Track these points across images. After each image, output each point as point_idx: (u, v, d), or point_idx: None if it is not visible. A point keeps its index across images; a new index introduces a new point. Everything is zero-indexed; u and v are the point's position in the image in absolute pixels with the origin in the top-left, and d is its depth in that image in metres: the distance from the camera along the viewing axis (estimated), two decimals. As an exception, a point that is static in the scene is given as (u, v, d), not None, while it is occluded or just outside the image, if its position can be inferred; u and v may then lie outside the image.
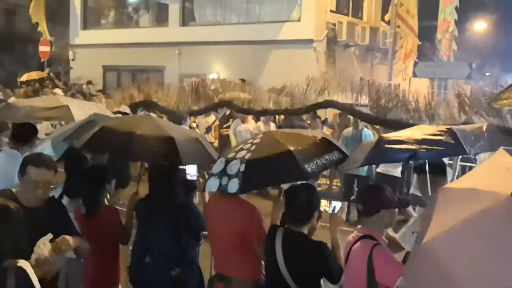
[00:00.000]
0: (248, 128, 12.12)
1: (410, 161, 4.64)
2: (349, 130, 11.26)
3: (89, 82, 21.79)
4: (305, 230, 3.74)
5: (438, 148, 4.32)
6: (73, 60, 24.96)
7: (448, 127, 4.49)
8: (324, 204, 3.98)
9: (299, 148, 3.87)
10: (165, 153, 4.31)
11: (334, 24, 18.53)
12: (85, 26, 24.84)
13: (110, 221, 4.48)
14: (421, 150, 4.24)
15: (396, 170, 9.50)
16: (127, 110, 12.69)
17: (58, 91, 16.78)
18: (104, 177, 4.63)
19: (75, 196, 4.65)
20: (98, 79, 23.23)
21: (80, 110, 6.04)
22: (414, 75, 17.48)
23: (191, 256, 4.37)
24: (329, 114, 14.96)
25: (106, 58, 22.95)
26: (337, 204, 3.95)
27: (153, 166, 4.58)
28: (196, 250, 4.52)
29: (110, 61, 22.92)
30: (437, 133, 4.38)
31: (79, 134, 4.52)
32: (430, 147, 4.29)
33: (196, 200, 4.76)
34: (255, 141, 4.09)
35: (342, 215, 3.88)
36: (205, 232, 4.48)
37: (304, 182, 3.88)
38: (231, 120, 14.17)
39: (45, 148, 4.78)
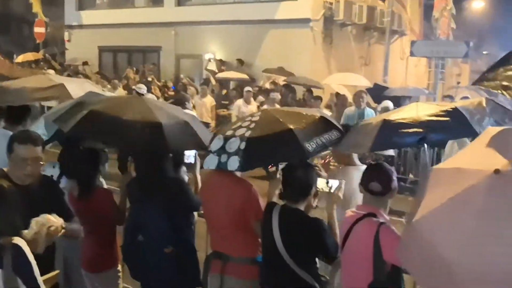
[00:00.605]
0: (253, 110, 12.02)
1: (420, 145, 4.58)
2: (351, 109, 11.21)
3: (85, 63, 21.71)
4: (302, 207, 3.75)
5: (447, 130, 4.27)
6: (68, 41, 24.82)
7: (454, 106, 4.41)
8: (321, 183, 3.95)
9: (299, 126, 3.85)
10: (151, 140, 4.18)
11: (331, 3, 18.41)
12: (80, 7, 24.65)
13: (104, 202, 4.47)
14: (429, 133, 4.19)
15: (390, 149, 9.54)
16: (143, 89, 12.62)
17: (50, 71, 16.67)
18: (98, 159, 4.61)
19: (73, 176, 4.64)
20: (94, 60, 23.13)
21: (75, 87, 5.99)
22: (412, 54, 17.43)
23: (185, 234, 4.34)
24: (325, 94, 14.96)
25: (102, 39, 22.82)
26: (335, 183, 3.93)
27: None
28: (190, 229, 4.49)
29: (106, 41, 22.80)
30: (443, 113, 4.29)
31: (69, 117, 4.44)
32: (438, 129, 4.24)
33: (186, 178, 4.74)
34: (253, 119, 4.06)
35: (340, 194, 3.88)
36: (200, 212, 4.47)
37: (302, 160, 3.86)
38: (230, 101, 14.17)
39: (38, 127, 4.74)
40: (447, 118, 4.21)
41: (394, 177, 3.58)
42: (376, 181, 3.54)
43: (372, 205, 3.54)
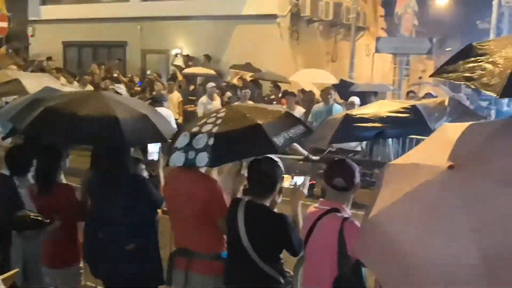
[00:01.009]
0: (218, 106, 11.97)
1: (377, 139, 4.70)
2: (319, 105, 11.28)
3: (48, 58, 21.29)
4: (267, 203, 3.76)
5: (403, 126, 4.38)
6: (32, 36, 24.33)
7: (413, 103, 4.54)
8: (286, 178, 3.98)
9: (267, 121, 3.87)
10: (108, 134, 4.14)
11: (297, 0, 18.48)
12: (44, 1, 24.19)
13: (64, 198, 4.44)
14: (387, 128, 4.29)
15: (355, 144, 9.63)
16: (122, 89, 12.42)
17: (13, 67, 16.34)
18: (59, 154, 4.56)
19: (22, 173, 4.58)
20: (58, 55, 22.74)
21: (32, 81, 5.94)
22: (377, 50, 17.62)
23: (146, 231, 4.33)
24: (293, 90, 15.00)
25: (66, 34, 22.44)
26: (299, 179, 3.96)
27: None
28: (152, 226, 4.46)
29: (70, 36, 22.42)
30: (402, 110, 4.42)
31: (24, 115, 4.36)
32: (395, 125, 4.34)
33: (145, 174, 4.71)
34: (219, 115, 4.06)
35: (304, 190, 3.91)
36: (164, 209, 4.46)
37: (268, 155, 3.88)
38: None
39: None
40: (406, 115, 4.34)
41: (357, 173, 3.63)
42: (340, 176, 3.59)
43: (335, 201, 3.58)
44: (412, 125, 4.46)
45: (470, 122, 2.39)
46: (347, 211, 3.56)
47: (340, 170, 3.64)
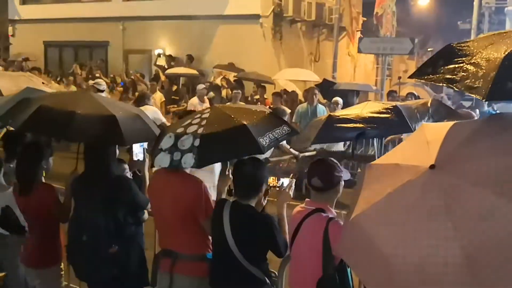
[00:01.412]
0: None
1: (359, 139, 4.74)
2: (303, 106, 11.29)
3: (26, 59, 21.00)
4: (253, 204, 3.76)
5: (385, 126, 4.42)
6: (12, 36, 24.08)
7: (394, 104, 4.59)
8: (272, 180, 3.99)
9: (252, 122, 3.87)
10: (107, 133, 4.15)
11: (280, 0, 18.51)
12: (24, 1, 23.96)
13: (46, 198, 4.40)
14: (368, 128, 4.33)
15: (338, 145, 9.66)
16: (103, 85, 12.26)
17: (-4, 67, 16.18)
18: (40, 154, 4.52)
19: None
20: (40, 55, 22.55)
21: (8, 83, 5.92)
22: (359, 50, 17.71)
23: (130, 233, 4.30)
24: (276, 90, 15.03)
25: (47, 34, 22.26)
26: (285, 180, 3.97)
27: (87, 144, 4.45)
28: (137, 228, 4.43)
29: (52, 36, 22.24)
30: (384, 110, 4.47)
31: (15, 113, 4.35)
32: (376, 125, 4.38)
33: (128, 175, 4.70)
34: (203, 116, 4.04)
35: (290, 192, 3.89)
36: (148, 210, 4.43)
37: (253, 156, 3.89)
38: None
39: None
40: (387, 115, 4.38)
41: (337, 173, 3.62)
42: (317, 176, 3.59)
43: (320, 201, 3.58)
44: (394, 125, 4.52)
45: (450, 122, 2.41)
46: (332, 211, 3.57)
47: (316, 170, 3.65)
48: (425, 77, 2.58)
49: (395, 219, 2.12)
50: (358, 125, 4.34)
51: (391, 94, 13.00)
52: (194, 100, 12.66)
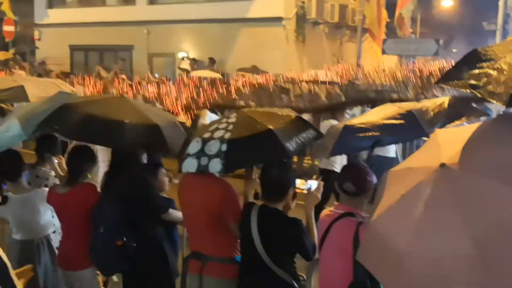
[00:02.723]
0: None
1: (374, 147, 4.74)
2: None
3: (42, 63, 21.08)
4: (280, 207, 3.79)
5: (399, 132, 4.42)
6: (39, 40, 24.45)
7: (409, 109, 4.57)
8: (300, 183, 4.01)
9: (278, 127, 3.91)
10: (154, 142, 4.39)
11: (303, 2, 18.54)
12: (50, 5, 24.31)
13: (87, 195, 4.46)
14: (383, 136, 4.33)
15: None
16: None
17: (21, 72, 16.39)
18: (92, 155, 4.68)
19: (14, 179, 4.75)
20: (65, 59, 22.85)
21: (35, 89, 6.02)
22: (383, 52, 17.61)
23: (148, 230, 4.38)
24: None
25: (73, 38, 22.56)
26: (313, 183, 3.97)
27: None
28: (157, 227, 4.50)
29: (77, 40, 22.54)
30: (398, 116, 4.46)
31: (58, 120, 4.48)
32: (391, 132, 4.38)
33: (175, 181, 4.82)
34: (230, 121, 4.10)
35: (318, 194, 3.90)
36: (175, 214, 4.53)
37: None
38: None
39: (10, 126, 4.72)
40: (401, 121, 4.36)
41: (370, 178, 3.63)
42: (350, 181, 3.60)
43: (349, 205, 3.60)
44: (408, 131, 4.50)
45: (462, 127, 2.45)
46: (362, 215, 3.57)
47: (350, 175, 3.67)
48: (451, 83, 2.60)
49: (408, 219, 2.16)
50: (373, 133, 4.34)
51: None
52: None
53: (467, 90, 2.48)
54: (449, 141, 2.30)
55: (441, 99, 4.73)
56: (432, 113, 4.55)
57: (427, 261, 2.04)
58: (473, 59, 2.55)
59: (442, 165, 2.14)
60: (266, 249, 3.66)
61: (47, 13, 24.07)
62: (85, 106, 4.57)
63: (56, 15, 23.52)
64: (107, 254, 4.27)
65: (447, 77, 2.69)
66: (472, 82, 2.42)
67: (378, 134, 4.27)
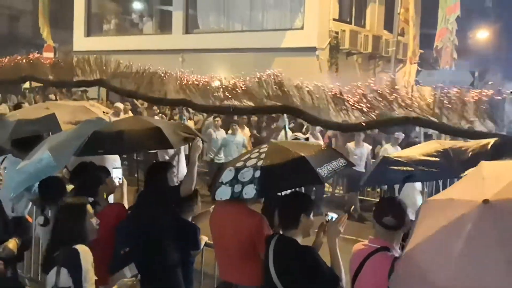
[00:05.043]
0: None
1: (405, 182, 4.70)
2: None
3: (84, 91, 21.47)
4: (297, 236, 3.70)
5: (431, 170, 4.37)
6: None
7: (448, 147, 4.51)
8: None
9: (310, 154, 3.95)
10: (158, 140, 4.99)
11: (337, 32, 18.62)
12: (88, 33, 24.95)
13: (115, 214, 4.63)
14: (416, 171, 4.30)
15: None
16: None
17: (51, 96, 16.84)
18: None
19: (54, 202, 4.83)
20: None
21: (67, 115, 6.20)
22: (417, 83, 17.51)
23: (165, 256, 4.49)
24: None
25: (110, 65, 23.01)
26: (333, 215, 3.91)
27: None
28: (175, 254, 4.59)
29: (114, 67, 22.98)
30: (435, 153, 4.42)
31: (97, 144, 4.83)
32: (425, 169, 4.33)
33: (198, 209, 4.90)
34: (261, 150, 4.16)
35: (340, 227, 3.77)
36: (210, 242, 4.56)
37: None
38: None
39: (43, 157, 4.82)
40: (436, 159, 4.31)
41: (408, 211, 3.59)
42: (390, 215, 3.53)
43: (384, 239, 3.53)
44: (440, 170, 4.42)
45: (508, 160, 2.43)
46: (398, 251, 3.49)
47: (390, 209, 3.60)
48: None
49: (449, 252, 2.14)
50: (407, 168, 4.33)
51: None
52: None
53: None
54: (495, 175, 2.29)
55: (486, 140, 4.54)
56: (470, 154, 4.43)
57: None
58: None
59: (486, 201, 2.13)
60: (279, 277, 3.60)
61: (85, 41, 24.67)
62: (117, 126, 5.12)
63: (94, 42, 24.08)
64: (115, 258, 4.44)
65: None
66: None
67: (412, 169, 4.25)
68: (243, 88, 6.61)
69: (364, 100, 5.44)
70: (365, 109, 5.36)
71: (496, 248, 2.03)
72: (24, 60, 7.77)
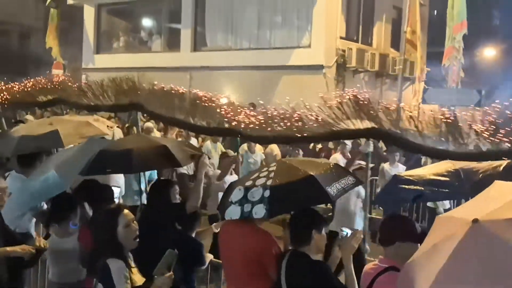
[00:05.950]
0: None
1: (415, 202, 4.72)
2: None
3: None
4: (310, 251, 3.75)
5: (441, 190, 4.36)
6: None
7: (459, 167, 4.49)
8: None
9: (319, 172, 3.99)
10: (165, 158, 5.03)
11: (343, 50, 18.71)
12: (98, 50, 25.15)
13: None
14: (426, 191, 4.30)
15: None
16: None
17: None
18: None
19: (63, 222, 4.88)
20: (110, 102, 23.38)
21: (70, 131, 6.28)
22: (424, 101, 17.52)
23: None
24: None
25: (118, 82, 23.11)
26: (348, 230, 3.97)
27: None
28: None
29: (122, 84, 23.08)
30: (445, 173, 4.40)
31: (105, 163, 4.74)
32: (435, 189, 4.33)
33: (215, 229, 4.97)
34: (270, 169, 4.20)
35: (354, 243, 3.85)
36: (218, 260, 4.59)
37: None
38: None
39: (49, 176, 4.85)
40: (447, 179, 4.30)
41: (415, 228, 3.59)
42: (385, 232, 3.61)
43: (393, 259, 3.53)
44: (450, 190, 4.42)
45: None
46: None
47: (382, 226, 3.66)
48: None
49: (432, 267, 2.21)
50: (417, 187, 4.34)
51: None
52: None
53: None
54: (498, 195, 2.34)
55: (499, 162, 4.44)
56: (481, 175, 4.39)
57: None
58: None
59: (475, 220, 2.18)
60: None
61: (94, 58, 24.86)
62: (121, 145, 5.21)
63: (103, 59, 24.26)
64: None
65: None
66: None
67: (422, 188, 4.26)
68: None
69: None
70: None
71: (478, 266, 2.08)
72: (49, 84, 7.65)
